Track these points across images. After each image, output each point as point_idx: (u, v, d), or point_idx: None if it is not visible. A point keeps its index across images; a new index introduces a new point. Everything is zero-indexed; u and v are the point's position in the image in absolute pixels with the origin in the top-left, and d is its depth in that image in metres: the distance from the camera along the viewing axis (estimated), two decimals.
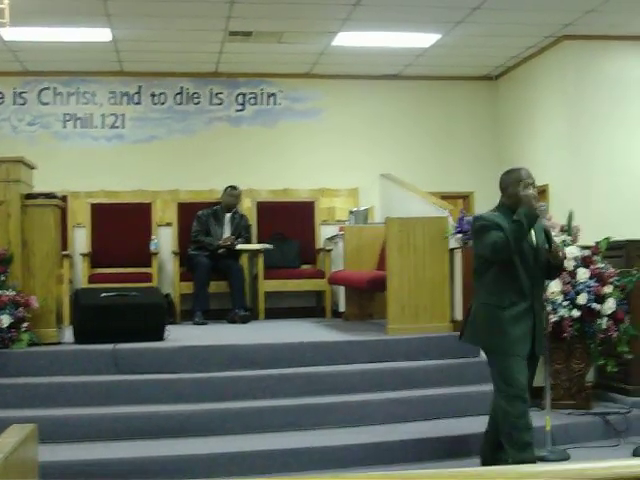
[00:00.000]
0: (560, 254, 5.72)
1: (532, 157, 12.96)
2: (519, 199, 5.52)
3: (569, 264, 7.22)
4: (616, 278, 7.33)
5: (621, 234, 7.83)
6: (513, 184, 5.63)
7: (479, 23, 11.43)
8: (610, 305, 7.20)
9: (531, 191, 5.55)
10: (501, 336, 5.54)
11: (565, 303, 7.16)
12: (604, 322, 7.21)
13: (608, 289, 7.23)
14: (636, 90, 12.30)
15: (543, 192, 12.44)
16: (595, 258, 7.39)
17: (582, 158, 12.12)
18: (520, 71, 13.73)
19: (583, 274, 7.21)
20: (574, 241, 7.43)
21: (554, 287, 7.13)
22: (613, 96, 12.24)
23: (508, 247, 5.40)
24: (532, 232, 5.60)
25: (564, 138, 12.33)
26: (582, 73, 12.23)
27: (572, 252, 7.29)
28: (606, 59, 12.32)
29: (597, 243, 7.55)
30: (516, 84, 13.89)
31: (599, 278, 7.25)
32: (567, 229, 7.50)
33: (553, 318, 7.13)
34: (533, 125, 13.25)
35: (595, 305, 7.18)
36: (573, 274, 7.24)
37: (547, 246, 5.71)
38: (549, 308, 7.07)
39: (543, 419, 6.54)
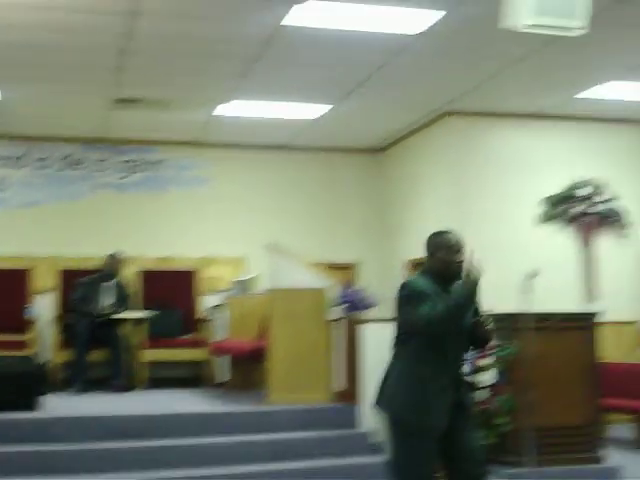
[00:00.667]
0: (488, 327, 5.39)
1: (418, 229, 13.13)
2: (448, 264, 5.23)
3: None
4: (495, 350, 7.41)
5: (508, 307, 7.90)
6: (442, 248, 5.29)
7: (367, 96, 11.60)
8: (488, 377, 7.26)
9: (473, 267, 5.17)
10: (419, 411, 5.12)
11: None
12: (482, 394, 7.26)
13: (487, 361, 7.30)
14: (517, 165, 12.62)
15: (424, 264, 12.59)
16: None
17: (468, 232, 12.25)
18: (406, 144, 13.97)
19: None
20: None
21: None
22: (496, 171, 12.53)
23: (444, 323, 5.04)
24: None
25: (449, 211, 12.54)
26: (465, 148, 12.51)
27: None
28: (489, 135, 12.63)
29: None
30: (402, 157, 14.12)
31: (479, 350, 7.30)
32: None
33: None
34: (419, 198, 13.45)
35: (474, 377, 7.23)
36: None
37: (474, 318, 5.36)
38: None
39: None
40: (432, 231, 5.44)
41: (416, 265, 12.89)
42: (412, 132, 13.59)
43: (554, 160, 12.78)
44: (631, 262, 12.86)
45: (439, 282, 5.21)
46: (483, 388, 7.26)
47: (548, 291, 11.56)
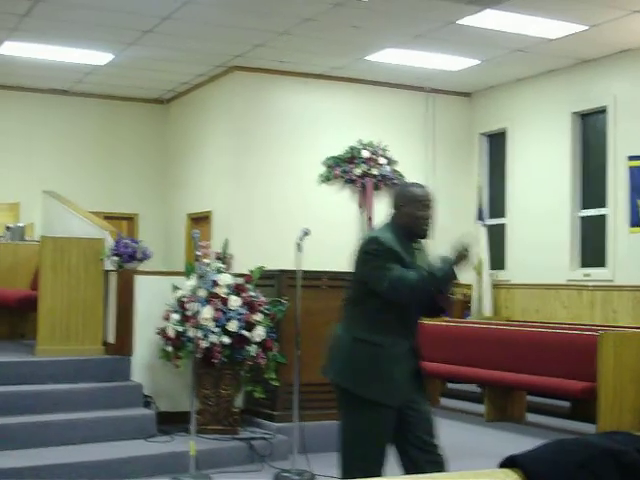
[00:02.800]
0: (451, 296, 4.91)
1: (199, 182, 13.10)
2: (415, 219, 4.69)
3: (221, 291, 7.31)
4: (267, 307, 7.49)
5: (278, 264, 8.01)
6: (410, 202, 4.71)
7: (151, 47, 11.41)
8: (259, 333, 7.34)
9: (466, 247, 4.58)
10: (379, 381, 4.58)
11: (216, 329, 7.22)
12: (253, 349, 7.34)
13: (258, 317, 7.37)
14: (303, 123, 12.78)
15: (207, 218, 12.59)
16: (247, 286, 7.52)
17: (245, 187, 12.40)
18: (191, 97, 13.86)
19: (234, 301, 7.31)
20: (227, 269, 7.53)
21: (205, 313, 7.18)
22: (278, 128, 12.64)
23: (411, 293, 4.56)
24: (418, 258, 4.77)
25: (229, 166, 12.55)
26: (250, 104, 12.54)
27: (225, 280, 7.38)
28: (274, 92, 12.71)
29: (251, 271, 7.69)
30: (186, 110, 14.00)
31: (250, 306, 7.38)
32: (222, 257, 7.59)
33: (203, 344, 7.17)
34: (201, 151, 13.39)
35: (245, 332, 7.29)
36: (225, 301, 7.33)
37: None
38: (199, 334, 7.10)
39: (188, 444, 6.53)
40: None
41: (196, 219, 12.86)
42: (198, 85, 13.50)
43: (338, 121, 13.01)
44: None
45: (404, 238, 4.70)
46: (254, 344, 7.32)
47: (328, 250, 11.85)
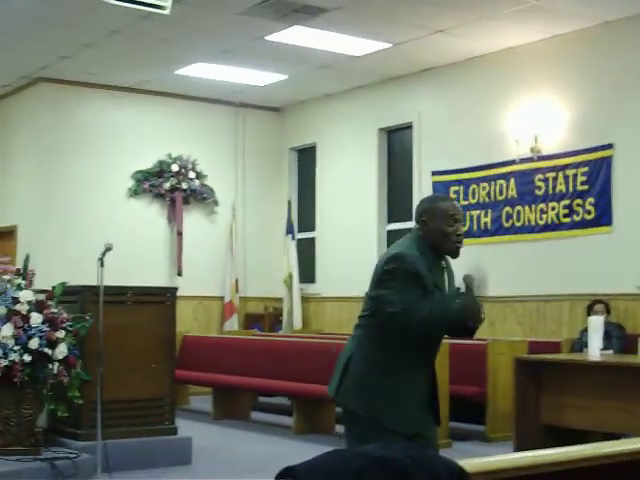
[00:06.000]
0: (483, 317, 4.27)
1: (3, 196, 12.70)
2: (445, 235, 4.24)
3: (22, 308, 7.11)
4: (69, 323, 7.33)
5: (88, 279, 7.78)
6: (440, 216, 4.25)
7: None
8: (62, 350, 7.16)
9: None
10: (394, 406, 4.17)
11: (16, 347, 7.00)
12: (55, 367, 7.16)
13: (60, 334, 7.20)
14: (109, 137, 12.60)
15: (12, 233, 12.23)
16: (49, 303, 7.33)
17: (52, 201, 12.17)
18: None
19: (36, 319, 7.12)
20: (29, 285, 7.33)
21: (5, 331, 6.97)
22: (87, 142, 12.43)
23: (429, 329, 4.19)
24: (445, 278, 4.37)
25: (35, 179, 12.27)
26: (57, 117, 12.30)
27: (26, 297, 7.18)
28: (81, 105, 12.48)
29: (53, 288, 7.51)
30: None
31: (52, 323, 7.20)
32: (24, 272, 7.39)
33: (3, 363, 6.95)
34: (6, 164, 12.98)
35: (47, 350, 7.11)
36: (26, 318, 7.13)
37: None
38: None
39: None
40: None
41: (1, 234, 12.47)
42: (3, 96, 13.11)
43: (148, 134, 12.91)
44: (217, 239, 13.28)
45: (431, 255, 4.27)
46: (56, 361, 7.15)
47: (137, 264, 11.74)
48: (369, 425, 4.16)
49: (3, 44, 10.63)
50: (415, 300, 4.11)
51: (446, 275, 4.36)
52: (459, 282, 4.26)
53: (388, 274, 4.20)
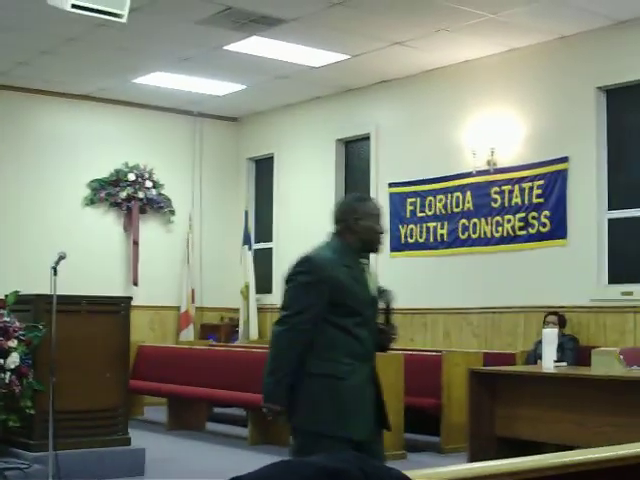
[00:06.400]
0: (393, 337, 4.40)
1: None
2: (374, 233, 4.30)
3: None
4: (22, 332, 7.25)
5: (42, 289, 7.69)
6: (367, 216, 4.30)
7: None
8: (14, 359, 7.09)
9: None
10: (337, 414, 4.12)
11: None
12: (7, 376, 7.08)
13: (13, 343, 7.12)
14: (66, 146, 12.51)
15: None
16: (2, 312, 7.25)
17: (3, 210, 12.05)
18: None
19: None
20: None
21: None
22: (41, 149, 12.34)
23: (275, 347, 4.22)
24: (366, 276, 4.33)
25: None
26: (10, 124, 12.17)
27: None
28: (36, 112, 12.40)
29: (5, 296, 7.44)
30: None
31: (4, 332, 7.12)
32: None
33: None
34: None
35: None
36: None
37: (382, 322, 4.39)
38: None
39: None
40: (349, 196, 4.65)
41: None
42: None
43: (106, 143, 12.84)
44: (173, 248, 13.22)
45: (353, 254, 4.27)
46: (9, 370, 7.07)
47: (92, 274, 11.65)
48: (315, 436, 4.13)
49: None
50: (306, 307, 4.15)
51: (368, 273, 4.35)
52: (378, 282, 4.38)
53: (292, 277, 4.25)
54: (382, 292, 4.37)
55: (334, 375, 4.15)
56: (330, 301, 4.16)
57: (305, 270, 4.20)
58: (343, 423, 4.13)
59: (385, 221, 4.56)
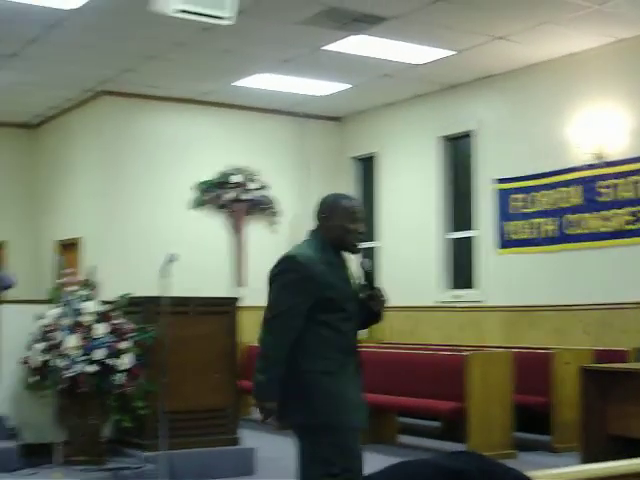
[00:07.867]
0: (383, 299, 4.40)
1: (68, 208, 12.86)
2: (347, 232, 4.28)
3: (87, 319, 7.18)
4: (134, 334, 7.38)
5: (152, 290, 7.82)
6: (340, 215, 4.31)
7: (17, 71, 11.20)
8: (126, 361, 7.22)
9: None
10: (335, 405, 4.17)
11: (81, 358, 7.07)
12: (120, 377, 7.22)
13: (125, 345, 7.26)
14: (174, 149, 12.70)
15: (75, 245, 12.37)
16: (115, 313, 7.40)
17: (115, 213, 12.27)
18: (60, 122, 13.64)
19: (100, 329, 7.18)
20: (94, 296, 7.41)
21: (70, 342, 7.04)
22: (149, 153, 12.54)
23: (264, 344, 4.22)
24: (347, 273, 4.38)
25: (99, 192, 12.39)
26: (120, 129, 12.42)
27: (91, 308, 7.25)
28: (144, 117, 12.61)
29: (118, 298, 7.58)
30: (56, 134, 13.78)
31: (117, 333, 7.26)
32: (89, 283, 7.47)
33: (69, 373, 7.02)
34: (71, 177, 13.18)
35: (112, 360, 7.17)
36: (90, 329, 7.20)
37: (366, 291, 4.38)
38: (64, 363, 6.95)
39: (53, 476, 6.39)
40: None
41: (66, 246, 12.63)
42: (67, 110, 13.29)
43: (210, 146, 12.99)
44: (280, 249, 13.24)
45: (329, 251, 4.29)
46: (121, 371, 7.20)
47: (200, 275, 11.78)
48: (319, 428, 4.17)
49: (67, 57, 10.76)
50: (291, 305, 4.16)
51: (348, 271, 4.38)
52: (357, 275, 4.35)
53: (272, 277, 4.28)
54: (361, 263, 4.34)
55: (326, 370, 4.20)
56: (315, 298, 4.19)
57: (288, 268, 4.23)
58: (347, 413, 4.19)
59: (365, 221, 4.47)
